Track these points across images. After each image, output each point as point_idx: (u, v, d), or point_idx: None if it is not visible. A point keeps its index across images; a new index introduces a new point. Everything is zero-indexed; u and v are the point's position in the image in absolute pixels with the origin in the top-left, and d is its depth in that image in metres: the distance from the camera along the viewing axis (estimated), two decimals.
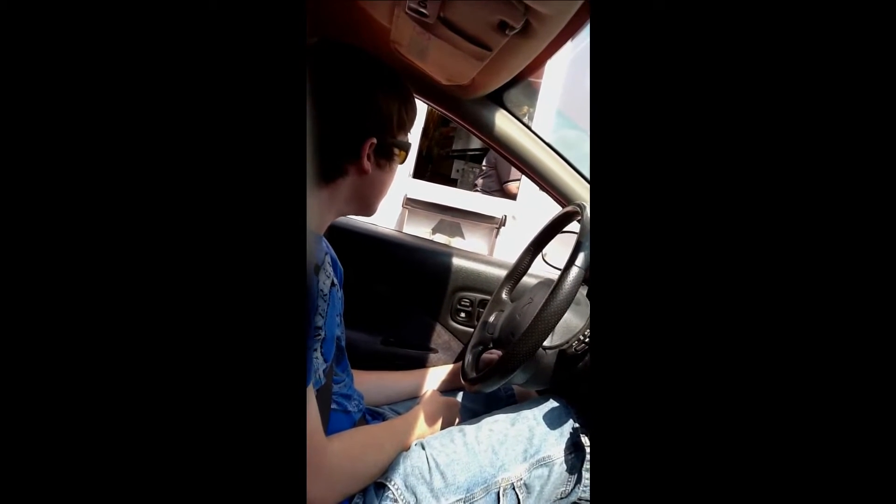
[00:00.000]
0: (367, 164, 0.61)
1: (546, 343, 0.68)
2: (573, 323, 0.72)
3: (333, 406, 0.64)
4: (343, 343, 0.70)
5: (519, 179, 2.23)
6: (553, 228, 0.82)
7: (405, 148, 0.66)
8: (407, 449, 0.67)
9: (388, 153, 0.64)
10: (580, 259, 0.60)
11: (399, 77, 0.64)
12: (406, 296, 1.05)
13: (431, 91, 0.84)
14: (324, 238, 0.67)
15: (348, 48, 0.61)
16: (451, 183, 2.79)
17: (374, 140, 0.61)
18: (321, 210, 0.63)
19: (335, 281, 0.65)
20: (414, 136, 2.03)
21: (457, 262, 1.05)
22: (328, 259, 0.64)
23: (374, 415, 0.78)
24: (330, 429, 0.62)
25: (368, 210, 0.68)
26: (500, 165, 2.37)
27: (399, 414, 0.77)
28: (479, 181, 2.52)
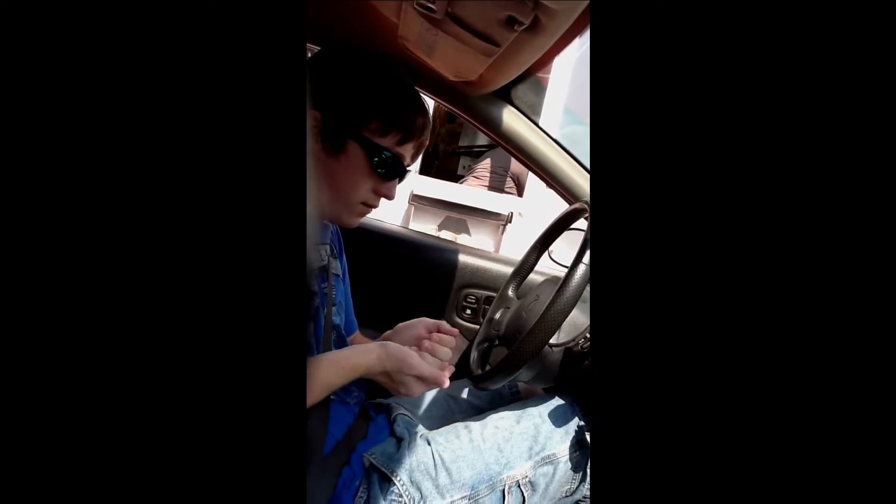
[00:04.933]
0: (315, 143, 0.55)
1: (552, 340, 0.68)
2: (579, 321, 0.71)
3: (332, 397, 0.64)
4: (344, 332, 0.71)
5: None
6: (560, 225, 0.82)
7: (365, 146, 0.56)
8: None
9: (337, 141, 0.56)
10: (587, 257, 0.60)
11: (400, 81, 0.60)
12: (412, 292, 1.05)
13: (438, 87, 0.83)
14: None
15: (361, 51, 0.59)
16: (458, 179, 2.79)
17: (317, 114, 0.54)
18: None
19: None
20: None
21: (463, 258, 1.05)
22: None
23: (377, 409, 0.78)
24: (330, 420, 0.62)
25: (329, 212, 0.61)
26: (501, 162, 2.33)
27: (402, 407, 0.77)
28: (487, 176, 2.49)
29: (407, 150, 0.63)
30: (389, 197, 0.64)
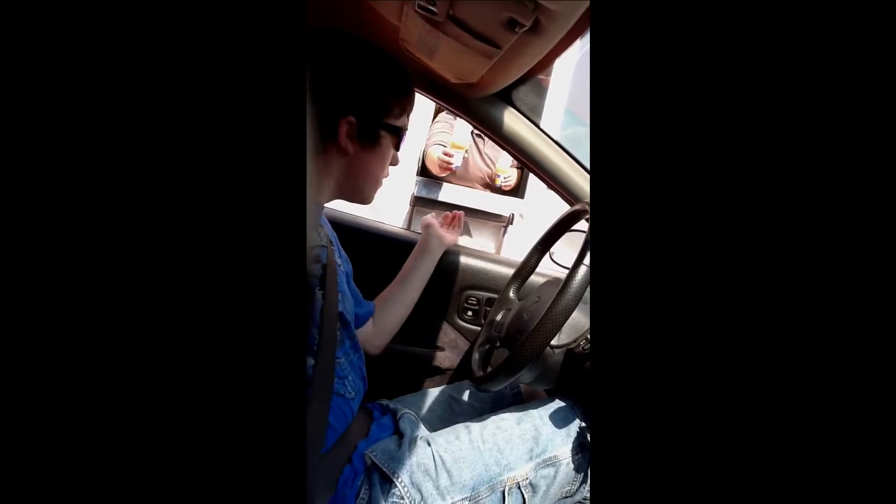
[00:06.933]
0: (347, 145, 0.61)
1: (553, 342, 0.68)
2: (581, 322, 0.71)
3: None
4: (350, 319, 0.70)
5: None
6: (561, 227, 0.82)
7: (393, 132, 0.64)
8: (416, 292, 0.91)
9: (373, 135, 0.62)
10: (588, 258, 0.60)
11: (393, 59, 0.63)
12: None
13: (440, 89, 0.84)
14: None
15: (338, 33, 0.61)
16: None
17: (353, 119, 0.60)
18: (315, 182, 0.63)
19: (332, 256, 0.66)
20: (421, 134, 2.03)
21: (464, 260, 1.05)
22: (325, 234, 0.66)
23: (383, 410, 0.78)
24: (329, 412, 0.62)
25: (360, 196, 0.67)
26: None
27: (406, 407, 0.77)
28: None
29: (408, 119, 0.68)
30: (396, 163, 0.70)
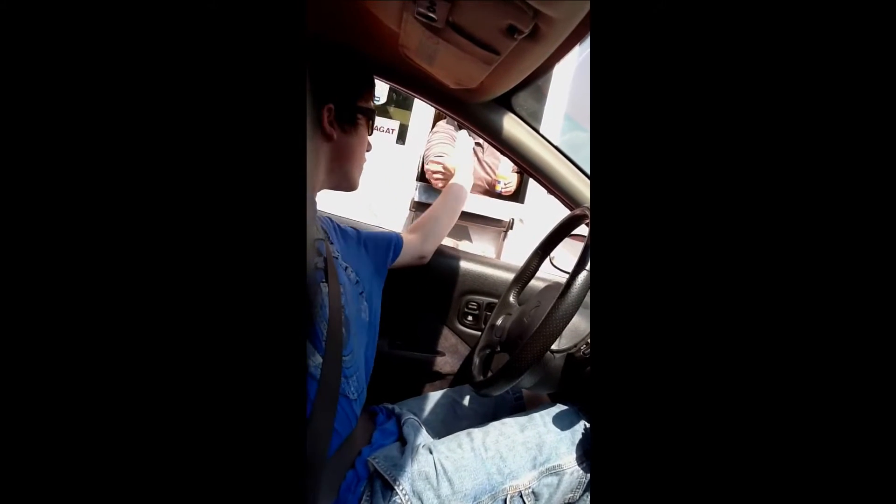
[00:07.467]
0: (331, 130, 0.66)
1: (554, 347, 0.68)
2: (581, 327, 0.71)
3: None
4: (347, 314, 0.70)
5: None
6: (561, 232, 0.82)
7: (367, 114, 0.71)
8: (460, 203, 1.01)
9: (351, 118, 0.69)
10: (588, 262, 0.60)
11: (342, 45, 0.69)
12: (414, 299, 1.05)
13: (439, 94, 0.84)
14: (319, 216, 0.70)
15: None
16: None
17: (332, 106, 0.66)
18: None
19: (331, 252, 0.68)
20: (421, 139, 2.03)
21: (464, 265, 1.05)
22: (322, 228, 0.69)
23: (388, 415, 0.77)
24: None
25: (348, 181, 0.73)
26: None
27: (397, 410, 0.77)
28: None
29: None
30: (370, 148, 0.76)
